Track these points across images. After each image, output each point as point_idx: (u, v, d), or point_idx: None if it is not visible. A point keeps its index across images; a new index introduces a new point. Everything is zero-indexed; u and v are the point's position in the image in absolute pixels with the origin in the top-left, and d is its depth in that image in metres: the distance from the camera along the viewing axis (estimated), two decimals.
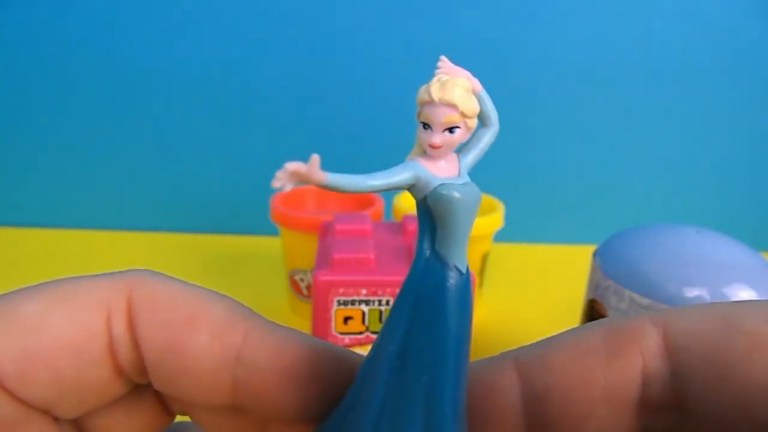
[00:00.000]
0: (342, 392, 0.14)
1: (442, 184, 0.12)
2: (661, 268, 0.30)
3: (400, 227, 0.36)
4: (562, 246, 0.60)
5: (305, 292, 0.43)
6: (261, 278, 0.50)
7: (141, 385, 0.15)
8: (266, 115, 0.56)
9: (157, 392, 0.15)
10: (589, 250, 0.36)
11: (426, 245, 0.13)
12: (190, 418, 0.16)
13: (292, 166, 0.12)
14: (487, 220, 0.42)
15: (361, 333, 0.30)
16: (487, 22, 0.54)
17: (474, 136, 0.13)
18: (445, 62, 0.13)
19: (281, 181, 0.12)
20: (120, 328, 0.13)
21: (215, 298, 0.14)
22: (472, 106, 0.12)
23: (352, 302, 0.30)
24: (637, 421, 0.13)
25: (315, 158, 0.12)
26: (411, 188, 0.12)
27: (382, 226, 0.36)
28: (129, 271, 0.14)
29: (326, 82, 0.55)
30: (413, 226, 0.35)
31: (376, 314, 0.30)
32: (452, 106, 0.12)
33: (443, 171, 0.12)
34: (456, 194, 0.12)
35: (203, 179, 0.58)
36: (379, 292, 0.29)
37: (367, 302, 0.30)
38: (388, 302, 0.30)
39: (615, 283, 0.31)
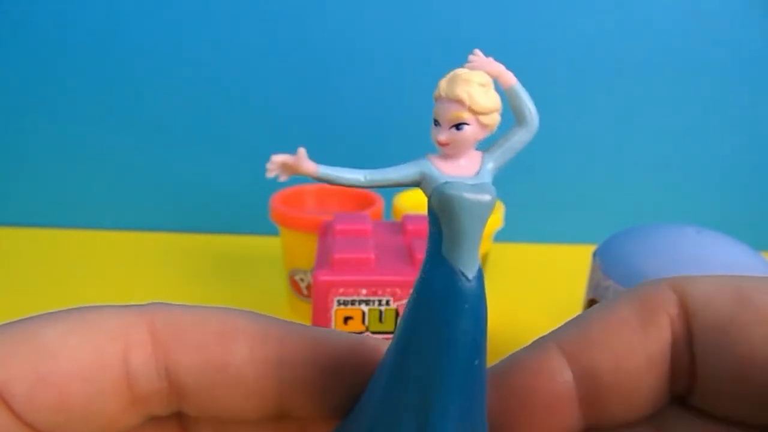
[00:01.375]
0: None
1: (446, 183, 0.11)
2: (661, 268, 0.30)
3: (400, 227, 0.36)
4: (562, 246, 0.60)
5: (305, 292, 0.43)
6: (261, 278, 0.50)
7: (158, 417, 0.15)
8: (266, 115, 0.56)
9: (181, 422, 0.15)
10: (589, 250, 0.36)
11: (433, 248, 0.12)
12: None
13: (279, 157, 0.12)
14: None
15: (361, 333, 0.30)
16: (487, 21, 0.54)
17: (504, 134, 0.12)
18: (477, 55, 0.12)
19: (273, 172, 0.12)
20: (140, 358, 0.13)
21: (238, 312, 0.15)
22: (483, 102, 0.12)
23: (352, 302, 0.30)
24: (668, 385, 0.14)
25: (301, 150, 0.12)
26: (420, 186, 0.12)
27: (382, 226, 0.36)
28: (148, 304, 0.14)
29: (327, 81, 0.55)
30: (413, 226, 0.35)
31: (376, 314, 0.30)
32: (459, 101, 0.11)
33: (458, 170, 0.12)
34: (458, 193, 0.11)
35: (203, 179, 0.58)
36: (379, 292, 0.29)
37: (367, 302, 0.30)
38: (388, 302, 0.30)
39: (615, 283, 0.31)
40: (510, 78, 0.12)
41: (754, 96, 0.57)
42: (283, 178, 0.12)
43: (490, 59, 0.12)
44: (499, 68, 0.12)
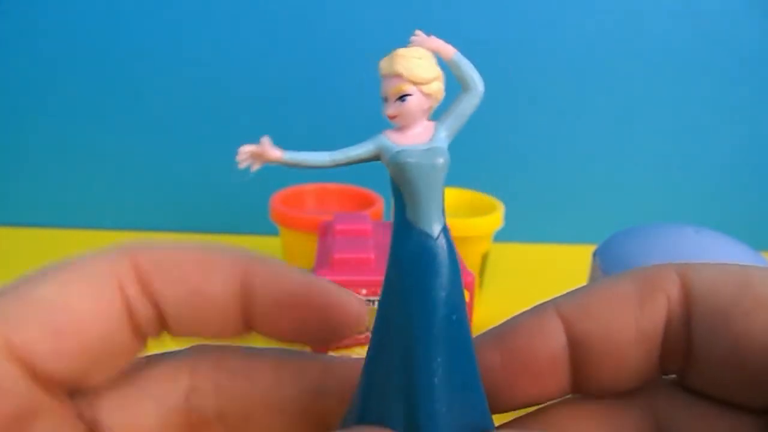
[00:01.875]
0: (331, 324, 0.15)
1: (399, 151, 0.12)
2: None
3: None
4: (562, 246, 0.60)
5: None
6: None
7: (153, 362, 0.16)
8: (266, 115, 0.56)
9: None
10: (589, 250, 0.36)
11: (398, 214, 0.13)
12: None
13: (246, 147, 0.13)
14: (487, 220, 0.42)
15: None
16: (488, 21, 0.54)
17: (453, 102, 0.13)
18: (417, 35, 0.13)
19: (244, 162, 0.13)
20: (133, 291, 0.15)
21: (213, 245, 0.16)
22: (420, 73, 0.12)
23: None
24: (659, 362, 0.14)
25: (265, 138, 0.13)
26: (380, 160, 0.13)
27: (382, 226, 0.36)
28: (125, 244, 0.16)
29: (327, 81, 0.55)
30: None
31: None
32: (398, 75, 0.12)
33: (411, 139, 0.13)
34: (408, 159, 0.12)
35: (203, 179, 0.58)
36: (379, 292, 0.29)
37: (367, 302, 0.30)
38: None
39: None
40: (448, 50, 0.13)
41: (754, 96, 0.57)
42: (255, 168, 0.13)
43: (431, 37, 0.13)
44: (437, 43, 0.13)
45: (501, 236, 0.46)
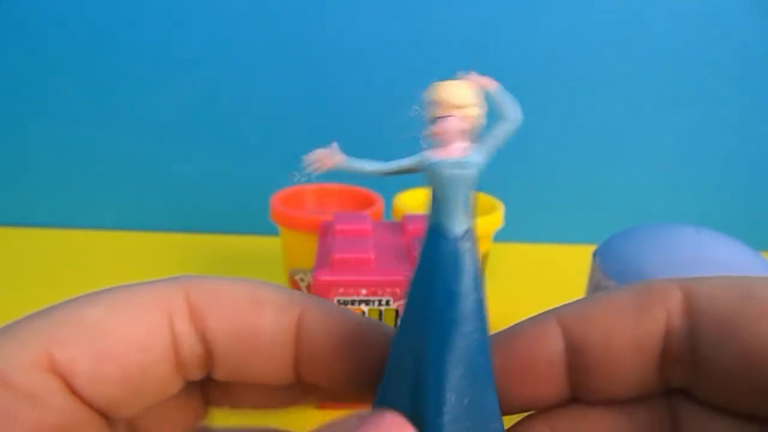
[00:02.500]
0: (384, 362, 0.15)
1: (432, 162, 0.14)
2: (661, 268, 0.30)
3: (400, 227, 0.36)
4: (562, 246, 0.60)
5: (305, 291, 0.43)
6: (261, 278, 0.50)
7: (189, 383, 0.16)
8: (266, 115, 0.56)
9: (204, 389, 0.17)
10: (589, 250, 0.36)
11: (428, 218, 0.14)
12: (236, 407, 0.17)
13: (317, 152, 0.14)
14: (487, 220, 0.42)
15: None
16: (488, 21, 0.54)
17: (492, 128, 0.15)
18: (467, 74, 0.15)
19: (312, 166, 0.14)
20: (183, 325, 0.15)
21: (266, 284, 0.16)
22: (460, 98, 0.14)
23: (352, 302, 0.30)
24: (658, 371, 0.15)
25: (334, 144, 0.14)
26: (421, 170, 0.14)
27: (382, 226, 0.36)
28: (181, 276, 0.16)
29: (327, 81, 0.55)
30: (413, 226, 0.35)
31: (376, 314, 0.30)
32: (441, 101, 0.14)
33: (446, 154, 0.14)
34: (437, 167, 0.14)
35: (203, 179, 0.58)
36: (379, 292, 0.29)
37: (367, 302, 0.30)
38: (388, 302, 0.30)
39: (615, 283, 0.31)
40: (491, 85, 0.14)
41: (755, 96, 0.57)
42: (319, 171, 0.14)
43: (477, 76, 0.15)
44: (481, 80, 0.14)
45: (501, 236, 0.46)
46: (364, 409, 0.13)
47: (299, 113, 0.56)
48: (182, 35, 0.54)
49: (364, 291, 0.29)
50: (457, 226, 0.14)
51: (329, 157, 0.14)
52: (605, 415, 0.15)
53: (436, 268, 0.14)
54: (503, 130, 0.15)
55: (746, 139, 0.59)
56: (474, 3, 0.53)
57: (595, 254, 0.34)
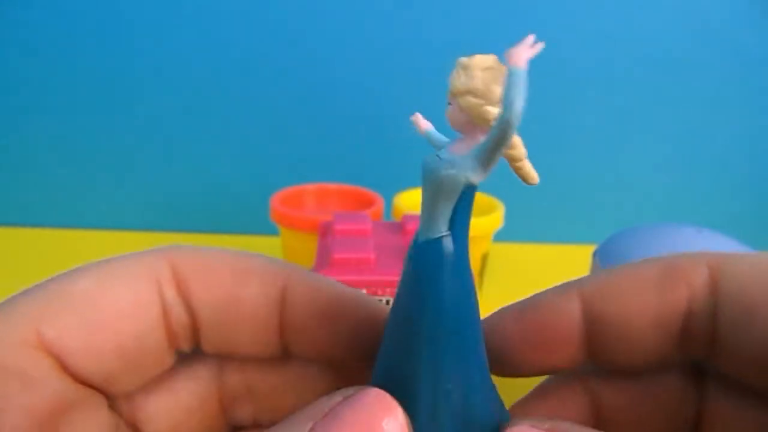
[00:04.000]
0: (369, 334, 0.15)
1: (428, 154, 0.13)
2: None
3: (400, 227, 0.36)
4: (562, 246, 0.60)
5: None
6: None
7: (184, 358, 0.16)
8: (266, 115, 0.56)
9: (209, 372, 0.16)
10: (589, 250, 0.36)
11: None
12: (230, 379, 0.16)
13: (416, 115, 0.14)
14: (487, 220, 0.42)
15: None
16: (489, 21, 0.54)
17: None
18: (526, 39, 0.11)
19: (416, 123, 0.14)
20: (171, 293, 0.14)
21: (251, 254, 0.16)
22: (456, 84, 0.12)
23: None
24: (678, 349, 0.15)
25: (417, 114, 0.14)
26: None
27: (382, 226, 0.36)
28: (167, 246, 0.15)
29: (328, 81, 0.55)
30: (413, 226, 0.35)
31: None
32: (449, 83, 0.12)
33: (456, 149, 0.12)
34: (424, 160, 0.12)
35: (203, 179, 0.58)
36: (379, 292, 0.29)
37: None
38: (388, 302, 0.30)
39: None
40: (517, 59, 0.11)
41: (755, 96, 0.57)
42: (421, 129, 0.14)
43: (528, 43, 0.11)
44: (517, 49, 0.11)
45: (501, 236, 0.46)
46: (350, 387, 0.13)
47: (299, 113, 0.56)
48: (182, 35, 0.54)
49: (364, 291, 0.29)
50: (426, 230, 0.13)
51: (418, 121, 0.14)
52: (628, 384, 0.16)
53: (404, 275, 0.13)
54: (489, 135, 0.12)
55: (746, 139, 0.59)
56: (474, 3, 0.53)
57: (595, 254, 0.34)
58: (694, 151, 0.59)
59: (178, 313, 0.14)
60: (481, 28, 0.54)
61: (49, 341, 0.13)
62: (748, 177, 0.60)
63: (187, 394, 0.16)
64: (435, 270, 0.13)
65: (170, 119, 0.56)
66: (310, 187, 0.48)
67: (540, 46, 0.11)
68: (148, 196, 0.59)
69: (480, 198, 0.46)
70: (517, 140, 0.13)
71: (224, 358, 0.16)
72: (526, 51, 0.11)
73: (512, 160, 0.13)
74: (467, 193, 0.12)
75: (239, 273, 0.15)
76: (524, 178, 0.13)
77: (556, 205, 0.60)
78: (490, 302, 0.46)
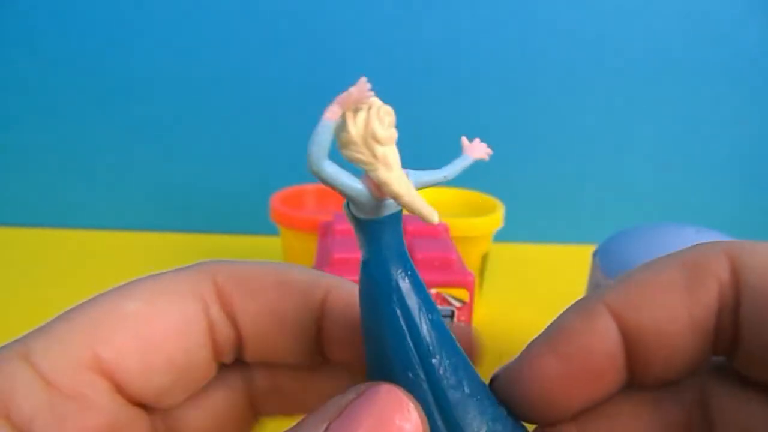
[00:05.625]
0: None
1: None
2: None
3: None
4: (562, 246, 0.60)
5: None
6: None
7: (224, 369, 0.16)
8: (266, 115, 0.56)
9: (242, 379, 0.17)
10: (589, 250, 0.36)
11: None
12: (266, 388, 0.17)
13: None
14: (487, 220, 0.42)
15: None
16: (489, 21, 0.54)
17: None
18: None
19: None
20: (215, 310, 0.15)
21: (291, 265, 0.16)
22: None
23: None
24: (711, 349, 0.14)
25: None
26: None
27: None
28: (207, 261, 0.16)
29: (326, 81, 0.55)
30: (413, 226, 0.35)
31: None
32: None
33: None
34: None
35: (203, 179, 0.58)
36: None
37: None
38: None
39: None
40: (328, 111, 0.13)
41: (754, 96, 0.57)
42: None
43: (346, 95, 0.13)
44: (337, 99, 0.13)
45: (501, 236, 0.46)
46: (361, 384, 0.13)
47: (299, 113, 0.56)
48: (182, 35, 0.54)
49: None
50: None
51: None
52: (649, 393, 0.15)
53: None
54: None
55: (746, 139, 0.59)
56: (475, 3, 0.53)
57: (595, 254, 0.34)
58: (694, 151, 0.59)
59: (223, 328, 0.15)
60: (482, 28, 0.54)
61: (106, 362, 0.13)
62: (748, 177, 0.60)
63: (222, 402, 0.16)
64: (361, 288, 0.14)
65: (170, 119, 0.56)
66: (310, 187, 0.48)
67: (364, 94, 0.13)
68: (148, 196, 0.59)
69: (480, 198, 0.46)
70: (387, 178, 0.13)
71: (259, 365, 0.17)
72: (340, 102, 0.12)
73: (398, 201, 0.13)
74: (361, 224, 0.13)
75: (281, 285, 0.15)
76: (421, 218, 0.13)
77: (556, 205, 0.60)
78: (490, 302, 0.46)
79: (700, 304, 0.13)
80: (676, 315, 0.14)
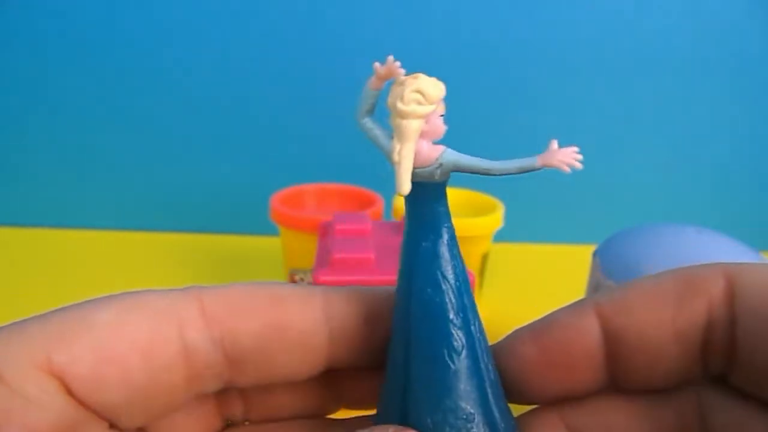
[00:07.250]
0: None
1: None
2: (661, 268, 0.29)
3: (400, 227, 0.36)
4: (562, 246, 0.60)
5: None
6: (261, 278, 0.50)
7: (201, 395, 0.15)
8: (265, 116, 0.56)
9: (221, 403, 0.16)
10: (589, 250, 0.36)
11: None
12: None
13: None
14: (487, 220, 0.42)
15: None
16: (489, 21, 0.54)
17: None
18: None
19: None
20: (195, 333, 0.14)
21: (280, 283, 0.16)
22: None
23: None
24: (699, 363, 0.14)
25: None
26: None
27: (382, 226, 0.36)
28: (191, 286, 0.15)
29: (325, 82, 0.55)
30: None
31: None
32: None
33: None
34: None
35: (203, 179, 0.58)
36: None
37: None
38: None
39: (615, 283, 0.31)
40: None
41: (754, 96, 0.57)
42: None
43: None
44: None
45: (501, 236, 0.46)
46: (365, 428, 0.13)
47: (298, 114, 0.56)
48: (182, 35, 0.54)
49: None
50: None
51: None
52: (643, 400, 0.15)
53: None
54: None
55: (746, 139, 0.59)
56: (474, 2, 0.53)
57: (595, 254, 0.34)
58: (694, 151, 0.59)
59: (203, 354, 0.14)
60: (482, 29, 0.54)
61: (57, 366, 0.13)
62: (748, 177, 0.60)
63: (193, 419, 0.16)
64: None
65: (170, 119, 0.56)
66: (310, 187, 0.48)
67: (393, 71, 0.15)
68: (148, 196, 0.59)
69: (480, 198, 0.46)
70: (391, 145, 0.15)
71: (254, 401, 0.17)
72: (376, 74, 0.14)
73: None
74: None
75: (277, 299, 0.15)
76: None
77: (556, 205, 0.60)
78: (490, 302, 0.46)
79: (686, 315, 0.14)
80: (660, 322, 0.14)
